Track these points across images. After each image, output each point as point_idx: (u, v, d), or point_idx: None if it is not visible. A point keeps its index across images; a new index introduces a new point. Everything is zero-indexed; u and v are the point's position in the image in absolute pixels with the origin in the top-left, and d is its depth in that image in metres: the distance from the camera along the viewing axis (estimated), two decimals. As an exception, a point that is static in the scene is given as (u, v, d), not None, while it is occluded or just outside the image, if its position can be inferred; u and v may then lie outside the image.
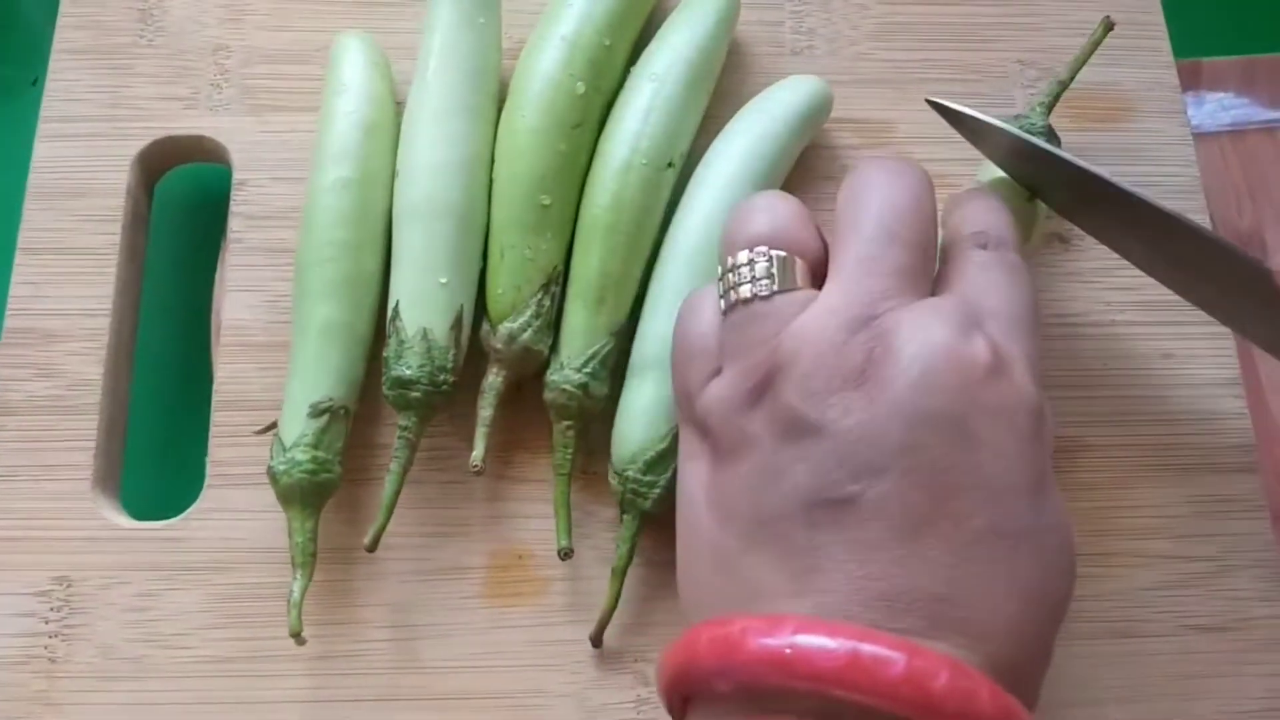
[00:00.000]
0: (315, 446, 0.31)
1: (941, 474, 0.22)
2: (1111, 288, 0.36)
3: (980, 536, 0.22)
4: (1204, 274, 0.30)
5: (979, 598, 0.22)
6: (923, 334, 0.23)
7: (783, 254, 0.25)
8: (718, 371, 0.26)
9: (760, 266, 0.25)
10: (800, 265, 0.26)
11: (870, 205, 0.25)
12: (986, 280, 0.26)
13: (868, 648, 0.20)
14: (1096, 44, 0.35)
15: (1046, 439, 0.24)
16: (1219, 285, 0.30)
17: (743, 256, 0.26)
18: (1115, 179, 0.28)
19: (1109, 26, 0.34)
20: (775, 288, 0.25)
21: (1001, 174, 0.33)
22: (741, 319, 0.25)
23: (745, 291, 0.25)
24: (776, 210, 0.26)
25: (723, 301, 0.26)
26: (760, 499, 0.24)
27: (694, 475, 0.26)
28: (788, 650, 0.21)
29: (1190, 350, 0.36)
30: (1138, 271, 0.36)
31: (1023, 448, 0.23)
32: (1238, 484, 0.34)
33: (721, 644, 0.22)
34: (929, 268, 0.25)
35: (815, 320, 0.24)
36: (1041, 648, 0.23)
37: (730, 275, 0.26)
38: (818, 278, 0.26)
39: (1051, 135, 0.35)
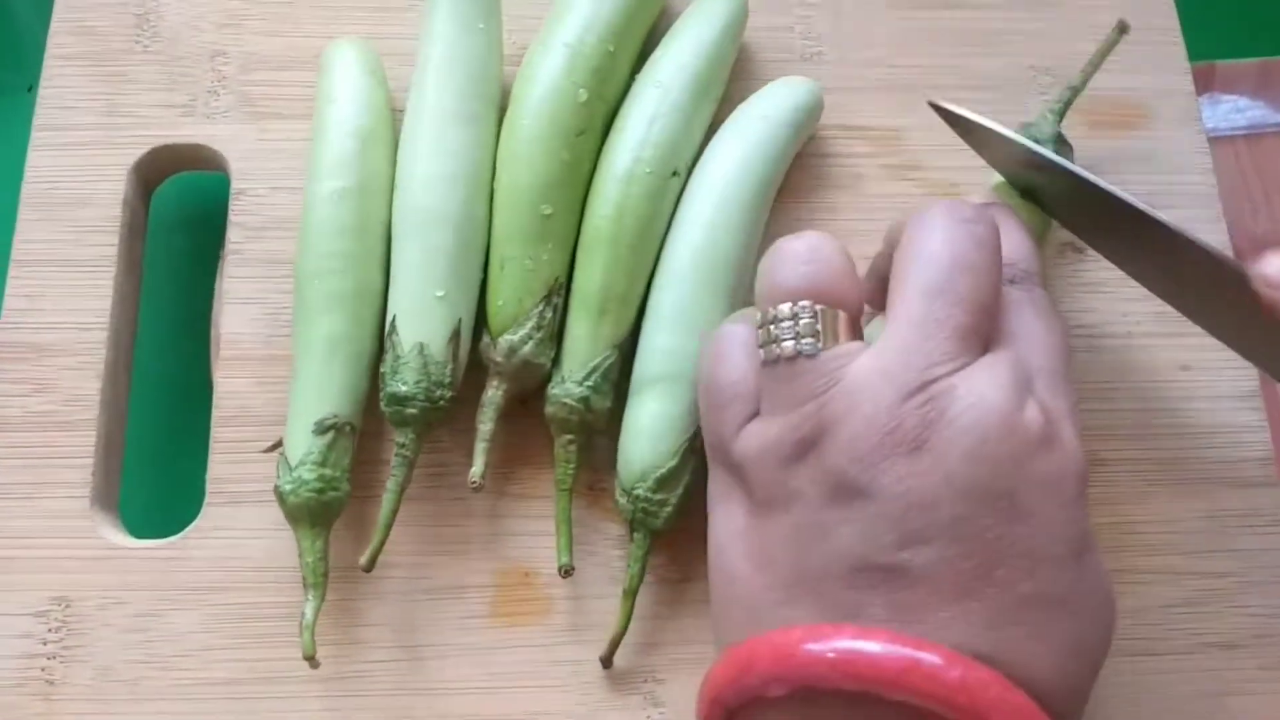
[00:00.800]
0: (322, 464, 0.30)
1: (990, 544, 0.22)
2: (1128, 299, 0.35)
3: (1025, 602, 0.23)
4: (1209, 295, 0.29)
5: (1020, 656, 0.22)
6: (978, 402, 0.23)
7: (826, 309, 0.25)
8: (752, 415, 0.26)
9: (805, 323, 0.25)
10: (843, 318, 0.25)
11: (934, 260, 0.24)
12: (1024, 327, 0.25)
13: (926, 655, 0.21)
14: (1110, 47, 0.34)
15: (1086, 493, 0.24)
16: (1226, 307, 0.29)
17: (785, 309, 0.25)
18: (1116, 189, 0.27)
19: (1123, 29, 0.33)
20: (820, 345, 0.24)
21: (1013, 194, 0.33)
22: (785, 373, 0.25)
23: (789, 348, 0.25)
24: (820, 260, 0.25)
25: (763, 351, 0.25)
26: (803, 556, 0.24)
27: (728, 520, 0.26)
28: (848, 653, 0.22)
29: (1208, 362, 0.35)
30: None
31: (1068, 515, 0.23)
32: (1257, 498, 0.34)
33: (780, 649, 0.22)
34: (988, 326, 0.25)
35: (868, 382, 0.23)
36: (1079, 698, 0.24)
37: (771, 327, 0.25)
38: (858, 324, 0.26)
39: (1062, 143, 0.34)
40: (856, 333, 0.25)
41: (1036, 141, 0.33)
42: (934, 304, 0.24)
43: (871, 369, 0.24)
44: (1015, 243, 0.27)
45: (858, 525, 0.23)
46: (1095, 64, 0.34)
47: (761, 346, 0.25)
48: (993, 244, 0.25)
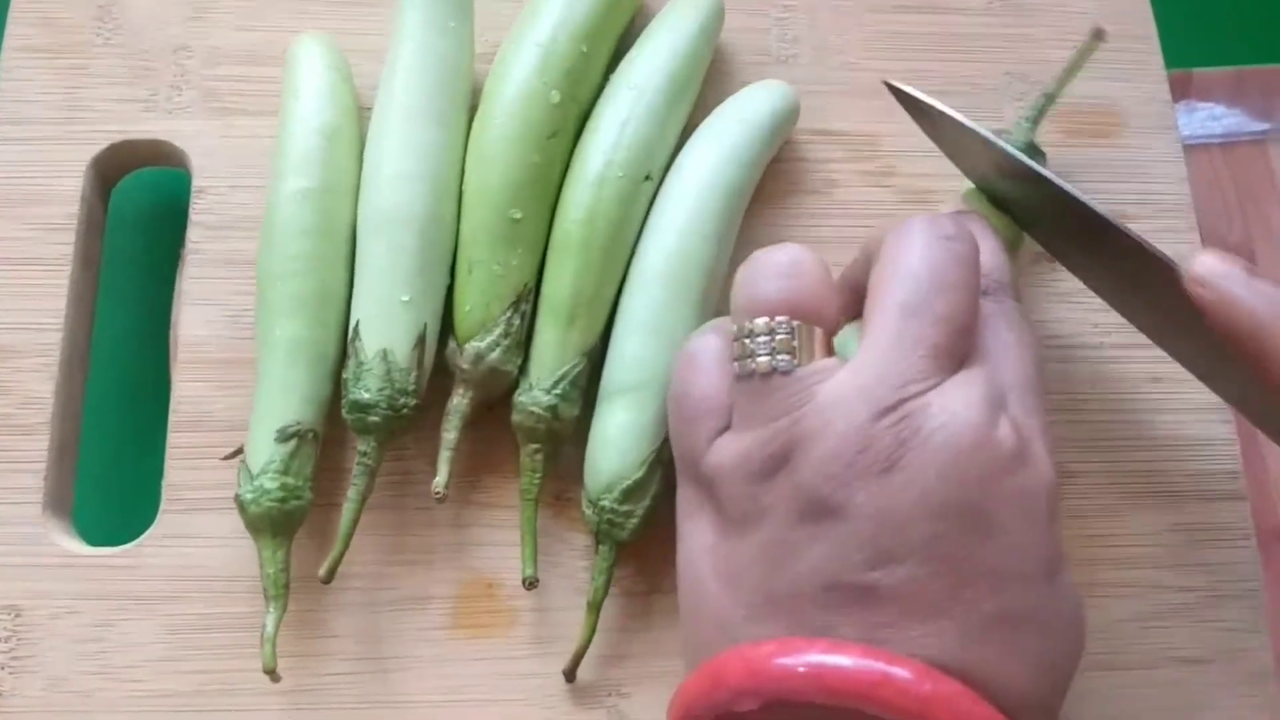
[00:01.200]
0: (284, 473, 0.29)
1: (961, 563, 0.22)
2: (1100, 309, 0.35)
3: (995, 620, 0.22)
4: (1160, 306, 0.28)
5: (991, 673, 0.22)
6: (951, 421, 0.23)
7: (803, 325, 0.24)
8: (723, 429, 0.25)
9: (781, 339, 0.24)
10: (819, 334, 0.25)
11: (912, 277, 0.24)
12: (997, 341, 0.25)
13: (898, 669, 0.21)
14: (1086, 54, 0.34)
15: (1059, 511, 0.24)
16: (1177, 320, 0.28)
17: (761, 324, 0.25)
18: (1069, 186, 0.27)
19: (1100, 36, 0.33)
20: (796, 363, 0.24)
21: (985, 200, 0.32)
22: (759, 388, 0.24)
23: (764, 363, 0.24)
24: (797, 274, 0.25)
25: (737, 365, 0.25)
26: (773, 574, 0.23)
27: (696, 536, 0.26)
28: (819, 667, 0.21)
29: (1179, 374, 0.34)
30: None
31: (1039, 532, 0.23)
32: (1226, 511, 0.34)
33: (752, 663, 0.22)
34: (965, 345, 0.24)
35: (842, 399, 0.23)
36: (1049, 714, 0.24)
37: (747, 341, 0.25)
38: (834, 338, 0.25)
39: (1034, 151, 0.34)
40: (831, 349, 0.25)
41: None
42: (911, 322, 0.23)
43: (846, 386, 0.23)
44: (988, 253, 0.27)
45: (828, 544, 0.23)
46: (1071, 71, 0.34)
47: (736, 360, 0.25)
48: (972, 262, 0.25)
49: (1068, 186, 0.27)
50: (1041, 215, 0.31)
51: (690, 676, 0.24)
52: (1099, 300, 0.35)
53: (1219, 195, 0.43)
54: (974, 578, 0.22)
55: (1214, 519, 0.33)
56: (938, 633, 0.22)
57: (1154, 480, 0.34)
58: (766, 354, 0.24)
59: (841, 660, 0.22)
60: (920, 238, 0.24)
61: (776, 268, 0.25)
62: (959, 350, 0.24)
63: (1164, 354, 0.35)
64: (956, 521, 0.22)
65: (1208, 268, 0.25)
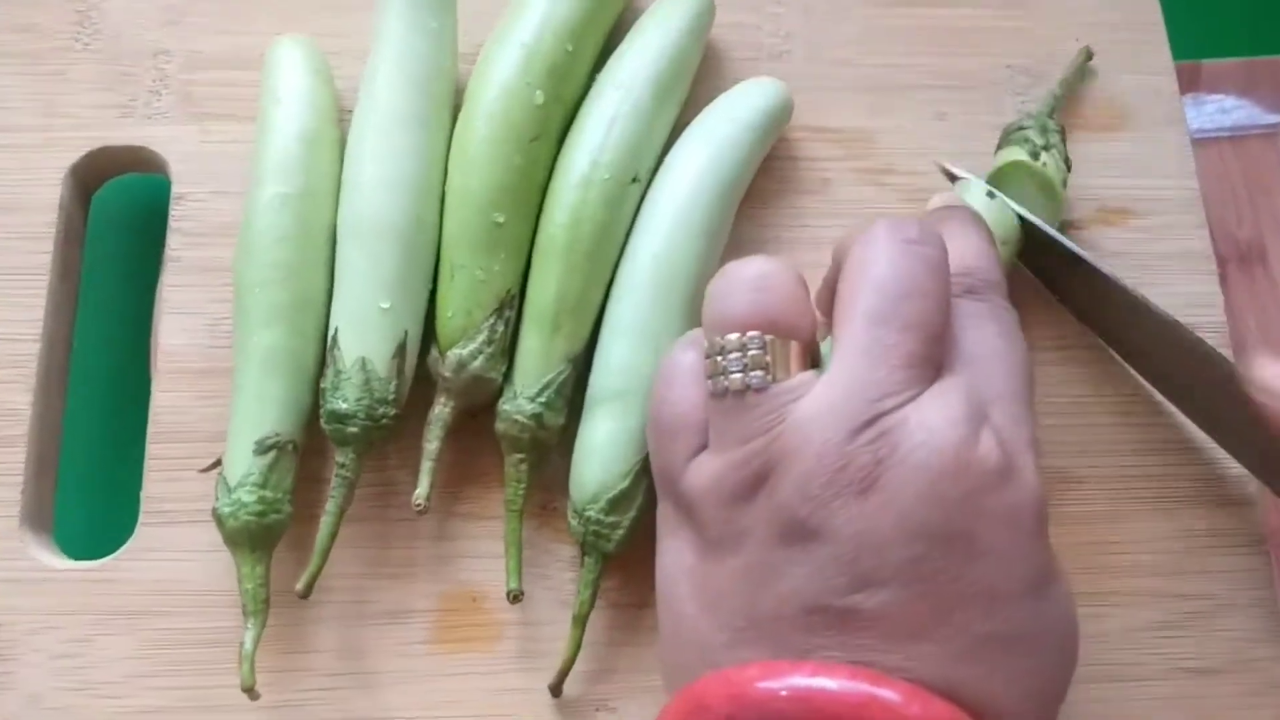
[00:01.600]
0: (262, 486, 0.29)
1: (945, 585, 0.22)
2: (1104, 309, 0.34)
3: (983, 641, 0.22)
4: (1202, 390, 0.29)
5: (980, 695, 0.22)
6: (929, 439, 0.22)
7: (776, 339, 0.24)
8: (701, 447, 0.25)
9: (753, 354, 0.23)
10: (794, 348, 0.24)
11: (881, 284, 0.23)
12: (983, 346, 0.24)
13: (885, 691, 0.21)
14: (1080, 70, 0.34)
15: (1046, 524, 0.23)
16: (1219, 402, 0.29)
17: (733, 340, 0.24)
18: (1113, 274, 0.28)
19: (1088, 56, 0.33)
20: (770, 379, 0.23)
21: (985, 196, 0.31)
22: (733, 405, 0.24)
23: (737, 380, 0.23)
24: (768, 287, 0.24)
25: (710, 383, 0.24)
26: (753, 598, 0.23)
27: (676, 555, 0.25)
28: (804, 690, 0.21)
29: (1187, 375, 0.34)
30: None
31: (1027, 550, 0.22)
32: (1235, 517, 0.32)
33: (735, 687, 0.22)
34: (939, 351, 0.24)
35: (817, 417, 0.22)
36: None
37: (719, 358, 0.24)
38: (811, 352, 0.24)
39: (1061, 135, 0.34)
40: (808, 362, 0.24)
41: (1033, 150, 0.32)
42: (880, 331, 0.23)
43: (820, 403, 0.23)
44: (975, 250, 0.26)
45: (809, 567, 0.22)
46: (1070, 85, 0.34)
47: (709, 378, 0.24)
48: (941, 266, 0.24)
49: (1123, 281, 0.28)
50: (1092, 300, 0.31)
51: (672, 701, 0.23)
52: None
53: (1229, 189, 0.42)
54: (960, 600, 0.22)
55: (1222, 525, 0.32)
56: (923, 655, 0.21)
57: (1160, 485, 0.33)
58: (739, 371, 0.23)
59: (826, 683, 0.21)
60: (884, 244, 0.24)
61: (745, 281, 0.24)
62: (934, 356, 0.23)
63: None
64: (938, 543, 0.22)
65: (1270, 376, 0.25)
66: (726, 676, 0.22)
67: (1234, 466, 0.33)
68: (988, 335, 0.24)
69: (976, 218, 0.28)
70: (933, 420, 0.22)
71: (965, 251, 0.26)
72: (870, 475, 0.22)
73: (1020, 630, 0.22)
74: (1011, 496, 0.22)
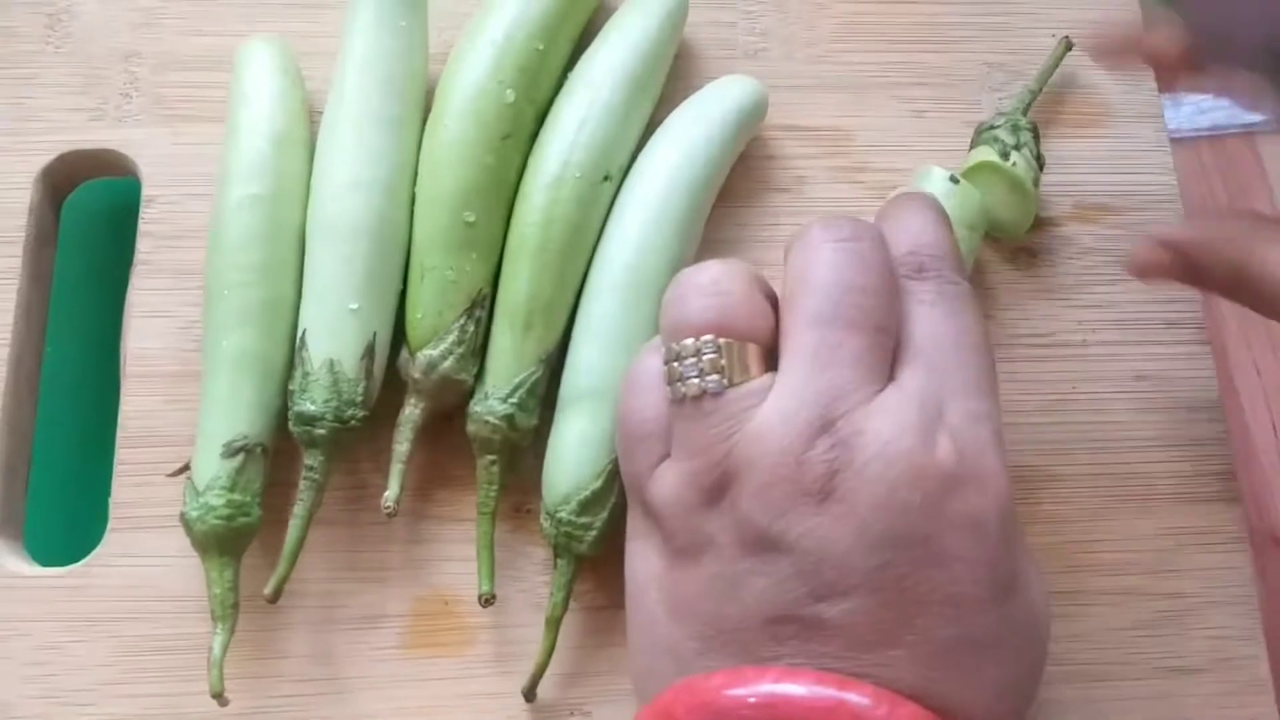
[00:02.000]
0: (231, 489, 0.28)
1: (908, 591, 0.21)
2: (1084, 305, 0.34)
3: (948, 647, 0.22)
4: None
5: (948, 698, 0.21)
6: (883, 450, 0.22)
7: (731, 342, 0.23)
8: (665, 454, 0.25)
9: (708, 359, 0.23)
10: (752, 350, 0.24)
11: (820, 285, 0.23)
12: (935, 331, 0.24)
13: (852, 695, 0.20)
14: (1056, 61, 0.33)
15: (1015, 525, 0.23)
16: None
17: (688, 345, 0.24)
18: None
19: (1068, 47, 0.32)
20: (725, 382, 0.23)
21: (947, 181, 0.31)
22: (691, 413, 0.23)
23: (694, 387, 0.23)
24: (722, 291, 0.24)
25: (669, 390, 0.24)
26: (720, 607, 0.23)
27: (644, 561, 0.25)
28: (771, 697, 0.21)
29: (1167, 371, 0.33)
30: (1113, 288, 0.34)
31: (991, 554, 0.22)
32: (1217, 514, 0.32)
33: (701, 695, 0.21)
34: (888, 343, 0.23)
35: (771, 426, 0.22)
36: None
37: (676, 365, 0.24)
38: (771, 354, 0.24)
39: (1033, 133, 0.33)
40: (768, 364, 0.24)
41: (1003, 150, 0.32)
42: (824, 333, 0.23)
43: (774, 411, 0.22)
44: (919, 227, 0.25)
45: (771, 578, 0.22)
46: (1045, 75, 0.34)
47: (668, 384, 0.24)
48: (878, 260, 0.24)
49: None
50: None
51: (641, 711, 0.23)
52: (1083, 295, 0.34)
53: (1208, 189, 0.42)
54: (923, 607, 0.21)
55: (1204, 522, 0.32)
56: (889, 661, 0.21)
57: (1141, 483, 0.32)
58: (695, 375, 0.23)
59: (793, 689, 0.21)
60: (818, 246, 0.23)
61: (699, 288, 0.24)
62: (884, 349, 0.23)
63: (1152, 351, 0.34)
64: (899, 551, 0.21)
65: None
66: (692, 685, 0.22)
67: (1215, 464, 0.33)
68: (938, 319, 0.24)
69: (927, 199, 0.27)
70: (886, 430, 0.22)
71: (910, 231, 0.25)
72: (827, 485, 0.21)
73: (988, 634, 0.22)
74: (972, 500, 0.22)
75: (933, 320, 0.24)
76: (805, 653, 0.21)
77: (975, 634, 0.22)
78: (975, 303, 0.25)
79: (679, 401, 0.24)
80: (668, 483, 0.24)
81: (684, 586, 0.23)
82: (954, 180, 0.31)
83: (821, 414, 0.22)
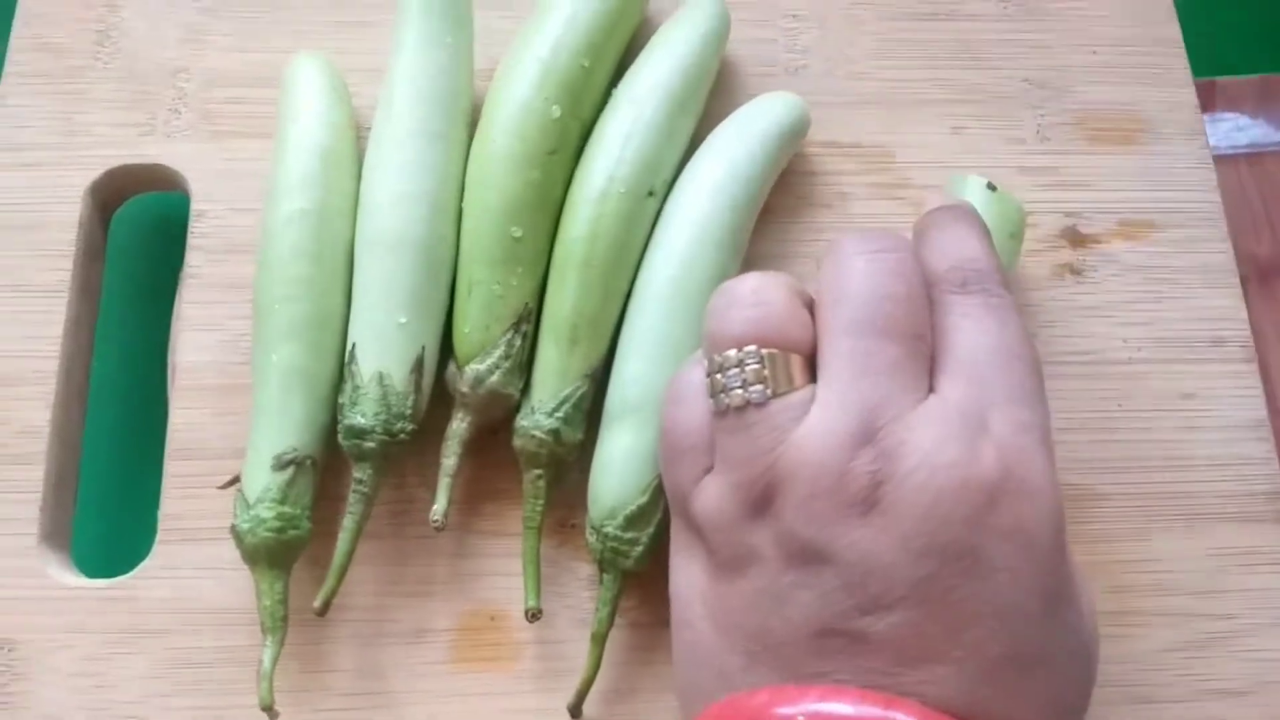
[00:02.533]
0: (281, 502, 0.29)
1: (955, 604, 0.21)
2: (1128, 323, 0.34)
3: (996, 663, 0.21)
4: None
5: (992, 715, 0.21)
6: (925, 461, 0.21)
7: (774, 352, 0.23)
8: (709, 467, 0.25)
9: (751, 370, 0.23)
10: (795, 361, 0.24)
11: (854, 295, 0.23)
12: (980, 345, 0.23)
13: (899, 714, 0.20)
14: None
15: (1064, 537, 0.23)
16: None
17: (731, 356, 0.24)
18: None
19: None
20: (769, 392, 0.23)
21: (984, 190, 0.30)
22: (735, 425, 0.23)
23: (737, 398, 0.23)
24: (763, 302, 0.24)
25: (712, 402, 0.24)
26: (765, 621, 0.23)
27: (689, 575, 0.25)
28: (816, 715, 0.20)
29: (1213, 390, 0.33)
30: (1158, 305, 0.34)
31: (1040, 565, 0.22)
32: (1264, 535, 0.32)
33: (746, 713, 0.21)
34: (924, 351, 0.23)
35: (815, 438, 0.22)
36: None
37: (719, 376, 0.24)
38: (813, 364, 0.24)
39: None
40: (811, 375, 0.24)
41: None
42: (860, 342, 0.23)
43: (817, 425, 0.22)
44: (961, 241, 0.25)
45: (817, 590, 0.22)
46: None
47: (711, 396, 0.24)
48: (908, 270, 0.24)
49: None
50: None
51: None
52: (1127, 313, 0.34)
53: (1246, 207, 0.41)
54: (971, 620, 0.21)
55: (1251, 543, 0.32)
56: (935, 679, 0.21)
57: (1186, 502, 0.32)
58: (739, 386, 0.23)
59: (839, 707, 0.21)
60: (851, 259, 0.24)
61: (741, 299, 0.24)
62: (922, 357, 0.23)
63: (1197, 369, 0.34)
64: (945, 563, 0.21)
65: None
66: (736, 703, 0.22)
67: (1263, 484, 0.32)
68: (983, 332, 0.24)
69: (965, 210, 0.27)
70: (928, 442, 0.22)
71: (952, 245, 0.25)
72: (871, 497, 0.21)
73: (1035, 650, 0.22)
74: (1018, 513, 0.22)
75: (976, 333, 0.24)
76: (851, 668, 0.21)
77: (1024, 649, 0.21)
78: (1019, 315, 0.25)
79: (722, 413, 0.24)
80: (711, 495, 0.24)
81: (728, 600, 0.23)
82: (991, 188, 0.30)
83: (863, 424, 0.22)
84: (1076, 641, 0.23)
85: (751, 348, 0.23)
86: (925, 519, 0.21)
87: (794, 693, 0.21)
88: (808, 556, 0.22)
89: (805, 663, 0.22)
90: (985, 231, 0.26)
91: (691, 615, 0.24)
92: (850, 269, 0.24)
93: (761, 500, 0.23)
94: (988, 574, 0.21)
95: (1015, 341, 0.24)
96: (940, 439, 0.22)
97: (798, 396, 0.23)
